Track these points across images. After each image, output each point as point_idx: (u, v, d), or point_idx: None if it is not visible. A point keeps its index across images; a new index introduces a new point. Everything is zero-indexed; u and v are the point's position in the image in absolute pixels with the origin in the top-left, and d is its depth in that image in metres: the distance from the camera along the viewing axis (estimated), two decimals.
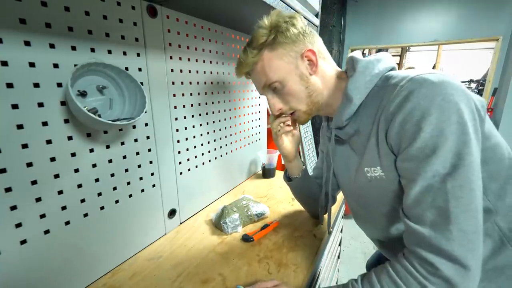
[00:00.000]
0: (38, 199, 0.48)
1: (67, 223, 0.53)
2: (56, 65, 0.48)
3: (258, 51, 0.55)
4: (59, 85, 0.49)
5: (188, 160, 0.85)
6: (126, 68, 0.60)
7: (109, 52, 0.57)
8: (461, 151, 0.38)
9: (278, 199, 0.84)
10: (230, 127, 1.05)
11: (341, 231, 1.13)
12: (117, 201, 0.63)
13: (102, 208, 0.60)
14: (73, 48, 0.50)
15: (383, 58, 0.53)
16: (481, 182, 0.39)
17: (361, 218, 0.65)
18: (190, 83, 0.81)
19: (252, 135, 1.23)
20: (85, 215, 0.57)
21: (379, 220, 0.57)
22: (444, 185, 0.39)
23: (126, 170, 0.64)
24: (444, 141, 0.39)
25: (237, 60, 0.60)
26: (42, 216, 0.49)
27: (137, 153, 0.67)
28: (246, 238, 0.75)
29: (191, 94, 0.82)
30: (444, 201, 0.39)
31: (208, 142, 0.93)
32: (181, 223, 0.85)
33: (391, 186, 0.49)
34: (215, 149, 0.98)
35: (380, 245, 0.65)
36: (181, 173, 0.82)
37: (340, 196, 1.02)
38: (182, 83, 0.78)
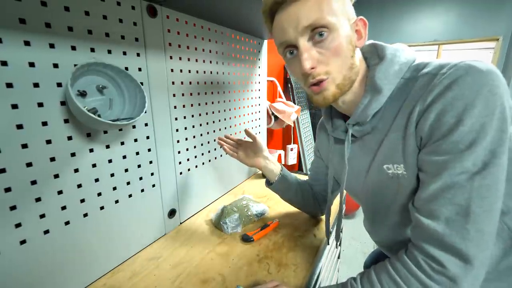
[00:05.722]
0: (38, 199, 0.48)
1: (67, 223, 0.53)
2: (56, 65, 0.48)
3: None
4: (59, 85, 0.49)
5: (188, 160, 0.85)
6: (126, 68, 0.60)
7: (109, 52, 0.57)
8: (496, 149, 0.36)
9: (278, 199, 0.84)
10: (230, 127, 1.05)
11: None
12: (117, 201, 0.63)
13: (102, 208, 0.60)
14: (73, 48, 0.50)
15: (405, 48, 0.49)
16: (504, 183, 0.38)
17: (373, 219, 0.61)
18: (190, 83, 0.81)
19: None
20: (85, 215, 0.57)
21: (393, 219, 0.53)
22: (471, 183, 0.36)
23: (126, 170, 0.64)
24: (483, 137, 0.36)
25: None
26: (42, 216, 0.49)
27: (137, 153, 0.67)
28: (246, 238, 0.75)
29: (191, 94, 0.82)
30: (466, 199, 0.37)
31: (208, 142, 0.93)
32: (181, 223, 0.85)
33: (410, 184, 0.46)
34: (215, 149, 0.97)
35: (388, 249, 0.62)
36: (181, 173, 0.82)
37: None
38: (182, 83, 0.78)
